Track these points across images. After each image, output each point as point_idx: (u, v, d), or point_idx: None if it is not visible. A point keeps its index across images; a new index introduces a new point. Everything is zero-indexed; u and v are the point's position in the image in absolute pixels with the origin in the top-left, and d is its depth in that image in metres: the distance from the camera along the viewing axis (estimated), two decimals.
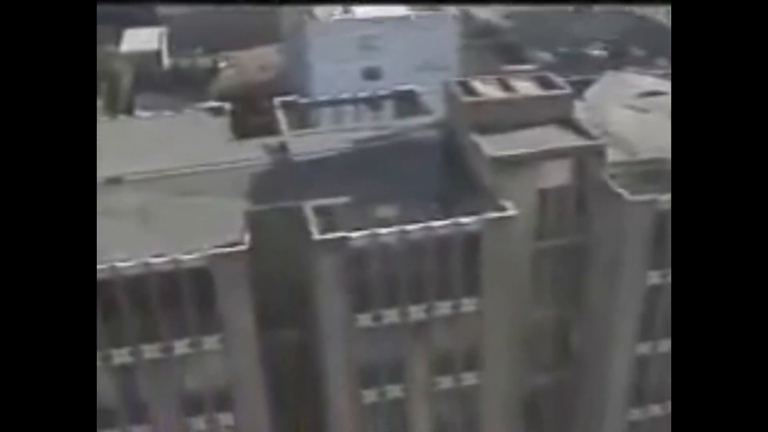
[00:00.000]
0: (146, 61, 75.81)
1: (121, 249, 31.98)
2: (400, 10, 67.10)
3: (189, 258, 31.82)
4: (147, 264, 31.45)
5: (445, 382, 37.01)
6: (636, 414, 39.03)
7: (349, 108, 46.36)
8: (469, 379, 37.18)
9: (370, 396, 36.44)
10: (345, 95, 47.08)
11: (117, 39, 78.62)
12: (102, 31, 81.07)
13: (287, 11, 73.07)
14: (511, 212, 34.46)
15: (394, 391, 36.68)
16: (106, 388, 33.53)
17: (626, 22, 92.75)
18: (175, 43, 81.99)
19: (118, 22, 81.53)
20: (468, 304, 35.33)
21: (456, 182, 37.57)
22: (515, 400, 39.30)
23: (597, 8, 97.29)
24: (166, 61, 79.76)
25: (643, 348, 37.10)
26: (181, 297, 32.47)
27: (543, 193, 36.70)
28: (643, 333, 36.73)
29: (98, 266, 30.75)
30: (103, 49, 77.92)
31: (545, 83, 41.16)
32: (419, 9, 66.10)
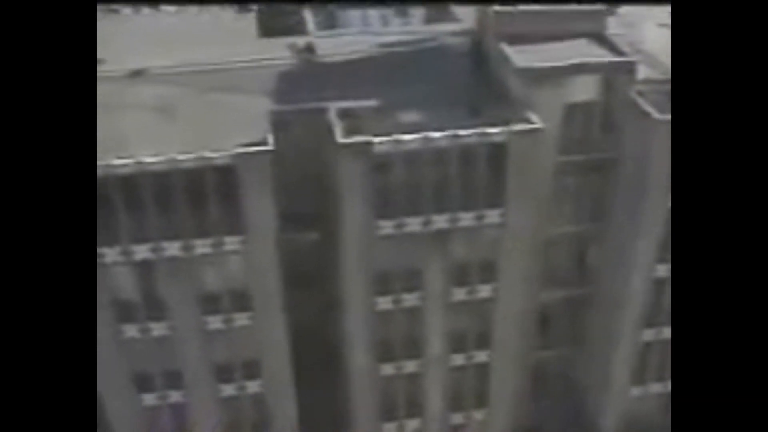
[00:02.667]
0: None
1: (146, 143, 31.85)
2: None
3: (214, 156, 31.62)
4: (172, 160, 31.27)
5: (461, 293, 37.16)
6: (649, 335, 39.24)
7: (378, 12, 45.48)
8: (485, 291, 37.32)
9: (385, 303, 36.64)
10: None
11: None
12: None
13: None
14: (537, 124, 34.03)
15: (410, 299, 36.86)
16: (126, 282, 33.98)
17: None
18: None
19: None
20: (491, 216, 35.19)
21: (483, 91, 37.06)
22: (529, 314, 39.58)
23: None
24: None
25: (661, 271, 37.02)
26: (205, 195, 32.41)
27: (570, 108, 36.23)
28: (662, 255, 36.60)
29: (123, 160, 30.86)
30: None
31: None
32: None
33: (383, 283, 36.12)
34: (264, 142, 32.23)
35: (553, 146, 36.14)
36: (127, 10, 46.37)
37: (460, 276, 36.77)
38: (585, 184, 38.09)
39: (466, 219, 35.01)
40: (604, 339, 40.61)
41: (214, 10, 45.01)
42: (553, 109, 35.69)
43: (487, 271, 36.93)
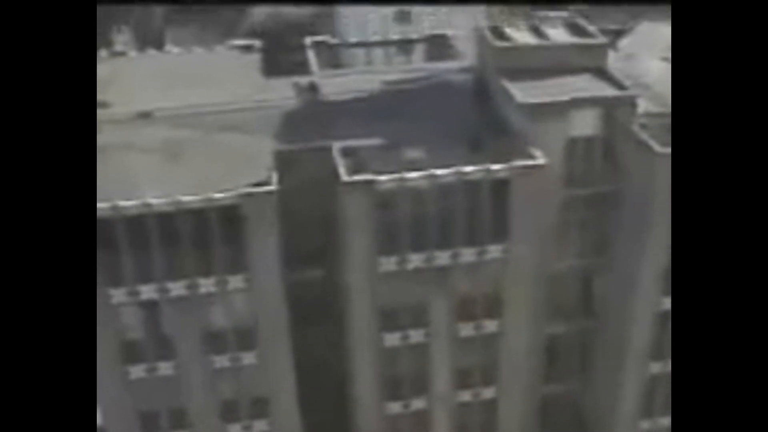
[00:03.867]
0: None
1: (151, 185, 32.19)
2: None
3: (219, 196, 31.92)
4: (177, 201, 31.59)
5: (467, 329, 37.21)
6: (656, 367, 39.11)
7: (380, 50, 46.02)
8: (491, 325, 37.37)
9: (392, 340, 36.73)
10: (376, 38, 46.71)
11: None
12: None
13: None
14: (540, 160, 34.31)
15: (417, 335, 36.94)
16: (133, 323, 34.17)
17: None
18: None
19: None
20: (494, 251, 35.37)
21: (486, 127, 37.35)
22: (535, 348, 39.53)
23: None
24: None
25: (667, 303, 37.01)
26: (209, 235, 32.68)
27: (572, 142, 36.49)
28: (667, 288, 36.58)
29: (129, 202, 31.19)
30: None
31: (579, 31, 40.77)
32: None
33: (389, 320, 36.24)
34: (268, 182, 32.54)
35: (556, 180, 36.31)
36: (132, 53, 47.05)
37: (466, 311, 36.88)
38: (589, 218, 38.20)
39: (470, 254, 35.19)
40: (611, 372, 40.48)
41: (219, 49, 45.59)
42: (555, 144, 35.95)
43: (493, 306, 37.02)
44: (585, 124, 36.56)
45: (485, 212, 34.76)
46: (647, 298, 37.17)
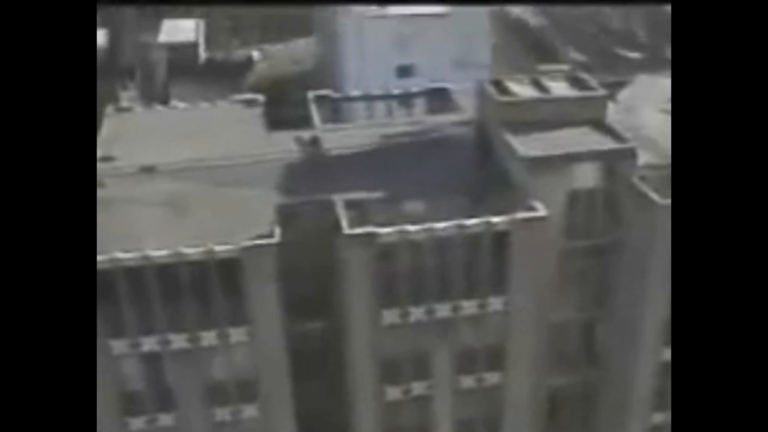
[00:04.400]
0: (183, 52, 76.54)
1: (154, 237, 32.44)
2: (434, 7, 67.09)
3: (220, 249, 32.14)
4: (179, 253, 31.79)
5: (469, 381, 37.09)
6: (659, 418, 38.84)
7: (382, 104, 46.50)
8: (493, 378, 37.25)
9: (394, 393, 36.60)
10: (378, 91, 47.23)
11: (156, 29, 79.50)
12: (141, 20, 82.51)
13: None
14: (540, 212, 34.51)
15: (419, 388, 36.82)
16: (133, 374, 34.16)
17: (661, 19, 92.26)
18: (212, 35, 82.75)
19: (159, 12, 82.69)
20: (495, 303, 35.43)
21: (487, 180, 37.60)
22: (538, 399, 39.31)
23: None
24: (203, 53, 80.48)
25: (668, 354, 36.86)
26: (211, 287, 32.83)
27: (573, 194, 36.68)
28: (668, 338, 36.46)
29: (130, 254, 31.40)
30: (140, 39, 79.10)
31: (579, 84, 41.17)
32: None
33: (391, 372, 36.17)
34: (270, 235, 32.76)
35: (557, 233, 36.43)
36: (138, 108, 47.69)
37: (468, 363, 36.80)
38: (589, 269, 38.25)
39: (471, 307, 35.25)
40: (614, 423, 40.21)
41: (223, 104, 46.14)
42: (556, 196, 36.14)
43: (495, 358, 36.96)
44: (585, 176, 36.79)
45: (486, 264, 34.89)
46: (649, 348, 37.08)
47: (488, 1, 68.30)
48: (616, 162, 36.75)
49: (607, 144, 37.38)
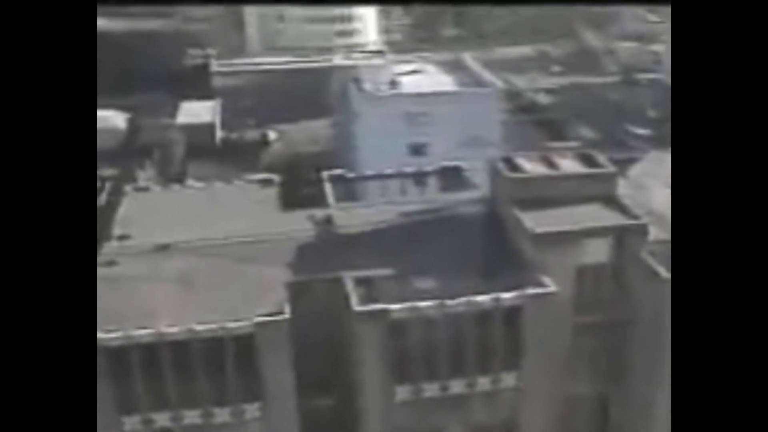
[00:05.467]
0: (200, 132, 78.02)
1: (167, 314, 32.79)
2: (446, 85, 68.43)
3: (233, 325, 32.44)
4: (192, 329, 32.11)
5: None
6: None
7: (395, 182, 47.16)
8: None
9: None
10: (391, 170, 47.96)
11: (174, 111, 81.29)
12: (160, 103, 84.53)
13: (336, 81, 75.21)
14: (551, 288, 34.71)
15: None
16: None
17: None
18: (228, 116, 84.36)
19: (176, 94, 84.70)
20: (507, 379, 35.38)
21: (497, 257, 37.93)
22: None
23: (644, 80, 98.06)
24: (219, 133, 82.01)
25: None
26: (224, 363, 33.01)
27: (584, 270, 36.88)
28: None
29: (143, 330, 31.72)
30: (159, 121, 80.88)
31: (589, 161, 41.69)
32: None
33: None
34: (281, 311, 33.06)
35: (569, 308, 36.54)
36: (156, 187, 48.56)
37: None
38: (601, 344, 38.19)
39: (484, 382, 35.19)
40: None
41: (239, 183, 46.93)
42: (567, 272, 36.36)
43: None
44: (596, 252, 37.05)
45: (498, 340, 34.97)
46: (664, 424, 36.63)
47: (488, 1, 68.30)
48: (626, 237, 37.04)
49: (617, 220, 37.72)
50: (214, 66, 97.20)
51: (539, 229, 36.50)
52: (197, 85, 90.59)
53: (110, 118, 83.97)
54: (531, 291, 34.61)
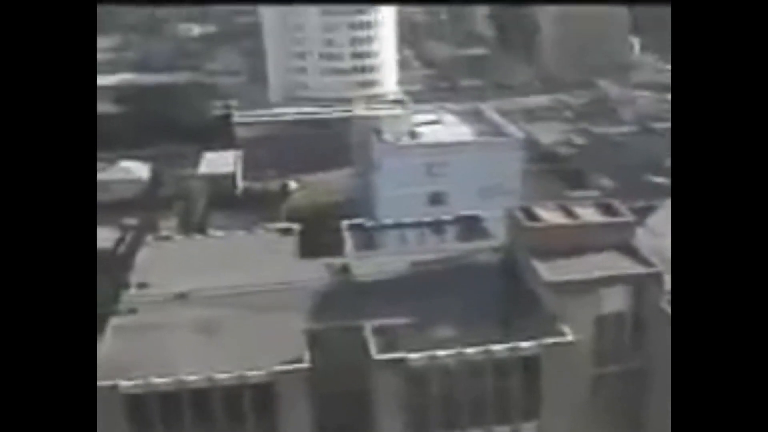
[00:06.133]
0: (221, 182, 78.79)
1: (187, 362, 33.03)
2: (465, 135, 68.95)
3: (252, 374, 32.62)
4: (211, 378, 32.31)
5: None
6: None
7: (413, 231, 47.43)
8: None
9: None
10: (409, 219, 48.27)
11: (196, 161, 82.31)
12: (183, 153, 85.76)
13: (357, 132, 76.04)
14: (569, 337, 34.72)
15: None
16: None
17: None
18: (250, 166, 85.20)
19: (200, 145, 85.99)
20: (527, 429, 35.23)
21: (516, 306, 38.01)
22: None
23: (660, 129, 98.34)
24: (241, 183, 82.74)
25: None
26: (243, 411, 33.13)
27: (602, 319, 36.86)
28: None
29: (163, 378, 31.95)
30: (181, 171, 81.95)
31: (607, 210, 41.85)
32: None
33: None
34: (300, 360, 33.22)
35: (587, 357, 36.46)
36: (177, 236, 49.11)
37: None
38: (620, 393, 37.92)
39: None
40: None
41: (259, 232, 47.39)
42: (585, 321, 36.34)
43: None
44: (614, 300, 37.06)
45: (516, 389, 34.90)
46: None
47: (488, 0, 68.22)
48: (644, 286, 37.03)
49: (635, 268, 37.76)
50: (237, 117, 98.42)
51: (557, 278, 36.63)
52: (220, 135, 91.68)
53: (134, 169, 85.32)
54: (549, 340, 34.64)
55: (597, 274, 37.03)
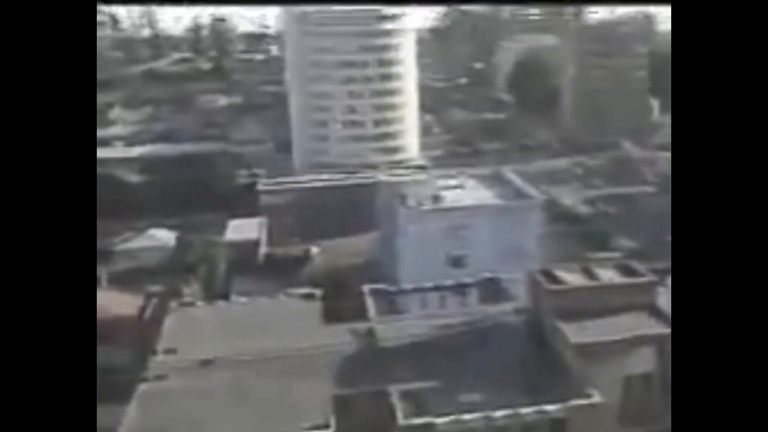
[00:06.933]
0: (245, 249, 79.38)
1: (214, 428, 33.11)
2: (486, 198, 69.32)
3: None
4: None
5: None
6: None
7: (435, 295, 47.58)
8: None
9: None
10: (431, 283, 48.45)
11: (221, 229, 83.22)
12: (209, 221, 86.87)
13: (379, 197, 76.69)
14: (596, 399, 34.54)
15: None
16: None
17: None
18: (273, 232, 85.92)
19: (225, 212, 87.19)
20: None
21: (540, 368, 37.93)
22: None
23: None
24: (264, 249, 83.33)
25: None
26: None
27: (628, 380, 36.69)
28: None
29: None
30: (206, 238, 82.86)
31: (628, 271, 41.92)
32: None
33: None
34: (326, 425, 33.23)
35: (614, 418, 36.17)
36: (200, 302, 49.48)
37: None
38: None
39: None
40: None
41: (282, 298, 47.73)
42: (611, 383, 36.18)
43: None
44: (640, 361, 36.96)
45: None
46: None
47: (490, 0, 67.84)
48: (667, 345, 36.79)
49: (659, 329, 37.63)
50: (262, 185, 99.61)
51: (581, 340, 36.63)
52: (245, 203, 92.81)
53: (160, 237, 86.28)
54: (576, 402, 34.49)
55: (622, 335, 36.97)
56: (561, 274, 42.01)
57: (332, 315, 44.29)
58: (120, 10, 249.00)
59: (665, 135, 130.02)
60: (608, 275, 41.97)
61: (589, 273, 42.16)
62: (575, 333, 37.19)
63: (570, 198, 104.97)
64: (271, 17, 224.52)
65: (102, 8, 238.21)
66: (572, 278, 41.67)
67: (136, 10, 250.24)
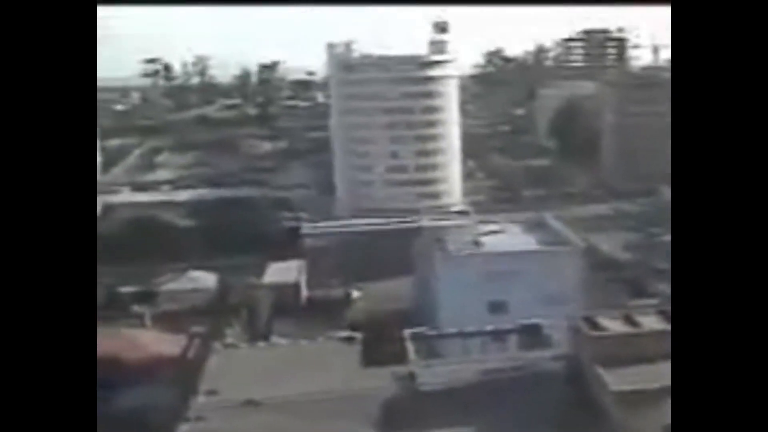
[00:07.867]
0: (285, 291, 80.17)
1: None
2: (526, 244, 69.36)
3: None
4: None
5: None
6: None
7: (475, 340, 47.60)
8: None
9: None
10: (471, 328, 48.51)
11: (262, 271, 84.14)
12: (251, 264, 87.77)
13: (421, 242, 77.10)
14: None
15: None
16: None
17: None
18: (314, 275, 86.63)
19: (267, 255, 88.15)
20: None
21: (580, 415, 37.65)
22: None
23: None
24: (304, 292, 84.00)
25: None
26: None
27: (667, 429, 36.17)
28: None
29: None
30: (248, 281, 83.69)
31: (669, 317, 41.54)
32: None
33: None
34: None
35: None
36: (243, 344, 50.09)
37: None
38: None
39: None
40: None
41: (322, 340, 48.13)
42: (652, 429, 35.77)
43: None
44: None
45: None
46: None
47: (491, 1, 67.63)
48: None
49: None
50: (305, 229, 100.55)
51: (624, 388, 36.35)
52: (288, 247, 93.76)
53: (201, 279, 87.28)
54: None
55: (662, 383, 36.58)
56: (602, 320, 41.84)
57: (372, 358, 44.48)
58: (174, 59, 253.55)
59: None
60: (649, 322, 41.68)
61: (630, 320, 41.91)
62: (616, 380, 36.93)
63: (610, 244, 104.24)
64: (317, 64, 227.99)
65: (156, 57, 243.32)
66: (613, 325, 41.45)
67: (189, 58, 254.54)
